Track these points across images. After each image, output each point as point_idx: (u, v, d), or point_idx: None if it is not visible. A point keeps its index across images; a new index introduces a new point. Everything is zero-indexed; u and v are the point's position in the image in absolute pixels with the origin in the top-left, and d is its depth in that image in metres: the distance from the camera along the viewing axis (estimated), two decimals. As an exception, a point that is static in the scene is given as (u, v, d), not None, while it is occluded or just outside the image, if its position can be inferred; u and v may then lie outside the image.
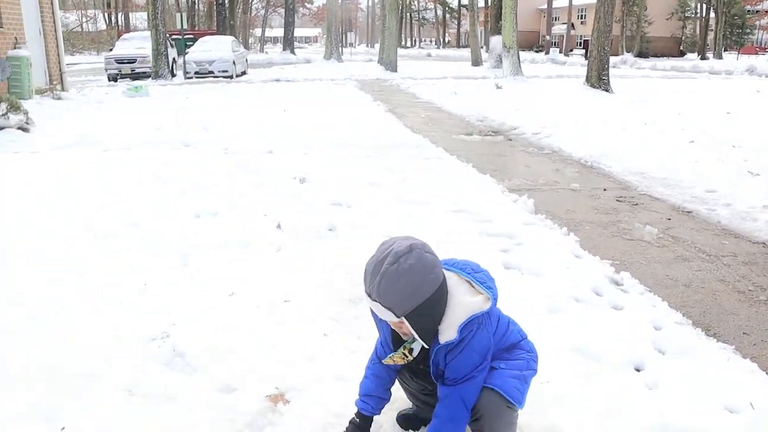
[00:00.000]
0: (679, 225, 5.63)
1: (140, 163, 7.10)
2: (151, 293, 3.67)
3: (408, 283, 1.93)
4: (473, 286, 2.14)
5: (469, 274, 2.16)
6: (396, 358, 2.18)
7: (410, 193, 6.10)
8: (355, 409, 2.37)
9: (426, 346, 2.11)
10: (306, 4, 63.52)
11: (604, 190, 6.86)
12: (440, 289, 2.02)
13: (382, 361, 2.26)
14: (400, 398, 2.60)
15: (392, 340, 2.24)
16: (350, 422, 2.36)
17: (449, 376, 2.13)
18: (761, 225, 5.53)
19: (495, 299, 2.15)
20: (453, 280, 2.12)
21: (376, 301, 1.97)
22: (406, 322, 1.99)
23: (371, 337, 3.20)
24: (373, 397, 2.33)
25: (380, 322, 2.24)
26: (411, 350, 2.15)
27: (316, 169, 7.04)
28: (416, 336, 2.04)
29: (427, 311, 1.99)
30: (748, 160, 7.99)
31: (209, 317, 3.36)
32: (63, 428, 2.43)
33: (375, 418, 2.45)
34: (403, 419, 2.55)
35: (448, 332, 2.05)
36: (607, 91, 17.13)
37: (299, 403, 2.61)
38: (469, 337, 2.08)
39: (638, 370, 3.07)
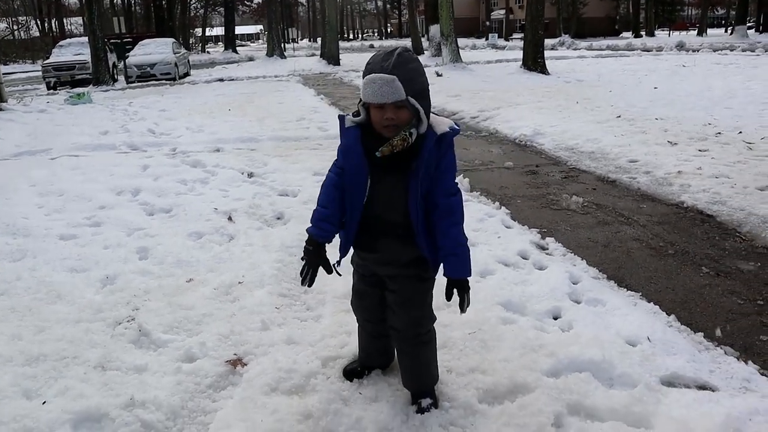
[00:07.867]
0: (603, 193, 6.12)
1: (90, 168, 7.23)
2: (114, 285, 3.93)
3: (417, 67, 2.25)
4: None
5: None
6: (397, 142, 2.29)
7: (354, 180, 6.41)
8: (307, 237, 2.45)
9: (422, 132, 2.28)
10: (245, 1, 62.82)
11: (537, 166, 7.32)
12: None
13: (381, 149, 2.30)
14: (346, 353, 2.95)
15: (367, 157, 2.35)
16: (304, 251, 2.47)
17: (443, 185, 2.38)
18: (675, 189, 6.07)
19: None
20: None
21: (391, 74, 2.15)
22: (412, 101, 2.21)
23: (318, 306, 3.56)
24: (327, 222, 2.43)
25: (351, 143, 2.36)
26: (411, 133, 2.30)
27: (264, 163, 7.31)
28: (422, 114, 2.26)
29: (427, 97, 2.28)
30: (668, 131, 8.59)
31: (170, 301, 3.64)
32: (44, 402, 2.70)
33: (321, 370, 2.78)
34: (348, 373, 2.84)
35: (441, 126, 2.31)
36: (543, 73, 17.75)
37: (255, 364, 2.94)
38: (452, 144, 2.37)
39: (555, 318, 3.50)
